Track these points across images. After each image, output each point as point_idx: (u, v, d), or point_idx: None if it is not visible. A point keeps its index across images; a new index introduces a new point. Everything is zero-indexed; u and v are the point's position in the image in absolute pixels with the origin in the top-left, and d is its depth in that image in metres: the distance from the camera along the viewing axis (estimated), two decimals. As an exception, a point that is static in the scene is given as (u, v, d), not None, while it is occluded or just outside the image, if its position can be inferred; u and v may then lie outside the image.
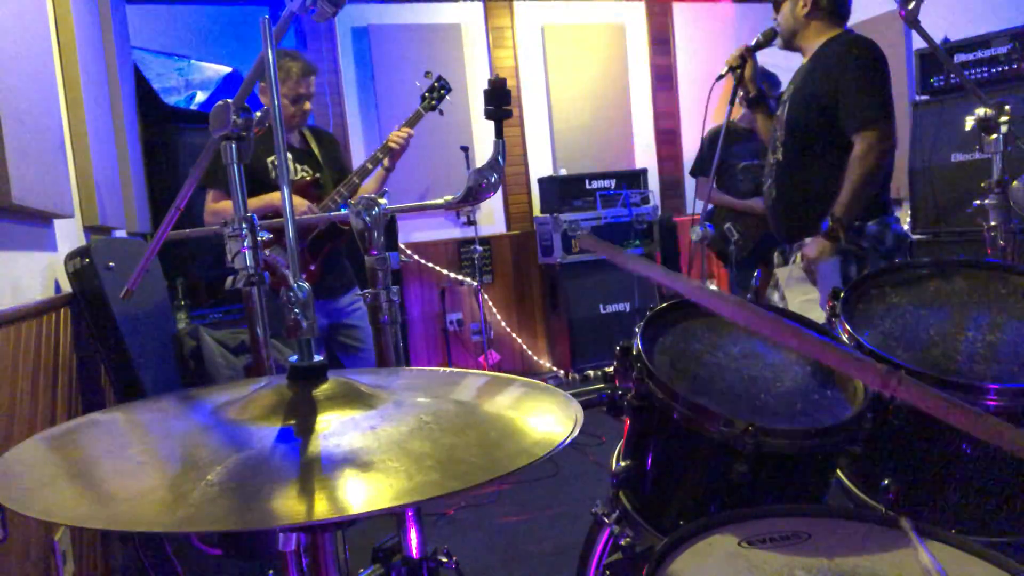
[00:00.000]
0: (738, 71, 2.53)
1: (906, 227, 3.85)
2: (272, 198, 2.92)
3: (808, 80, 2.38)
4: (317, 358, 0.89)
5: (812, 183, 2.38)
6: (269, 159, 2.99)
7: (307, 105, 3.02)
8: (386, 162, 3.03)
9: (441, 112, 3.26)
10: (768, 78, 3.80)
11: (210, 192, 2.95)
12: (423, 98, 3.21)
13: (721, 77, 2.58)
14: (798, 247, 2.44)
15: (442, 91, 3.20)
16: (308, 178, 3.06)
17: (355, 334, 3.16)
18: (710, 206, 4.55)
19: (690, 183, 5.90)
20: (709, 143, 4.39)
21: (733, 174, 4.00)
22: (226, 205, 2.90)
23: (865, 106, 2.25)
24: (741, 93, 2.61)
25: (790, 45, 2.50)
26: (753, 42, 2.52)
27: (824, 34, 2.40)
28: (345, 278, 3.15)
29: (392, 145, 3.03)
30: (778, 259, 2.58)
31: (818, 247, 2.30)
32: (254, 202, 2.94)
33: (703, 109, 2.68)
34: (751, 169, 4.14)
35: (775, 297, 2.56)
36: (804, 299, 2.38)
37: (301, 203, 2.92)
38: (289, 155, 3.02)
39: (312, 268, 3.02)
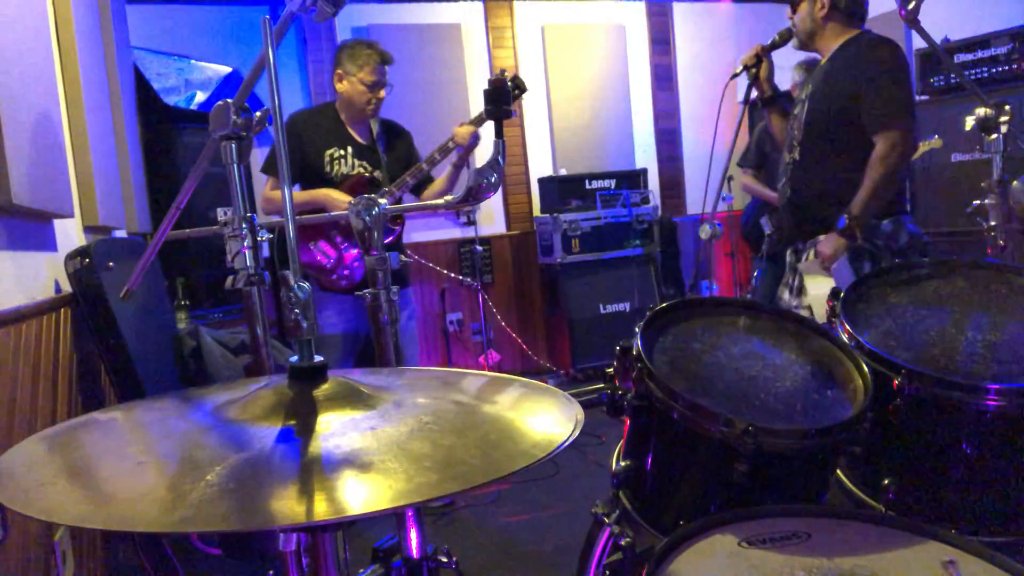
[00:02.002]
0: (753, 70, 2.53)
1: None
2: (316, 195, 2.92)
3: (828, 81, 2.38)
4: (317, 358, 0.89)
5: (828, 182, 2.39)
6: (327, 152, 3.00)
7: (381, 93, 3.00)
8: (455, 159, 3.00)
9: (511, 114, 3.10)
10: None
11: (269, 180, 2.98)
12: None
13: (735, 76, 2.58)
14: (811, 244, 2.45)
15: (515, 91, 2.90)
16: (365, 174, 3.04)
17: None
18: (754, 199, 4.56)
19: (691, 183, 5.93)
20: (759, 136, 4.39)
21: (775, 169, 4.03)
22: (279, 194, 2.87)
23: (888, 106, 2.26)
24: (756, 92, 2.61)
25: (807, 46, 2.50)
26: (769, 42, 2.52)
27: (842, 35, 2.40)
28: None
29: (454, 142, 2.96)
30: (791, 256, 2.59)
31: (833, 244, 2.31)
32: (300, 195, 2.96)
33: (704, 109, 2.68)
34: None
35: (786, 295, 2.56)
36: (825, 290, 2.38)
37: (344, 201, 2.87)
38: (349, 149, 3.03)
39: (357, 266, 3.00)
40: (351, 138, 3.05)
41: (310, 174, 3.00)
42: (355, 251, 3.00)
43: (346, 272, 2.99)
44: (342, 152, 3.02)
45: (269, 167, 2.99)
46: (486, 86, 1.37)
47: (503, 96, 1.37)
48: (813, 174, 2.43)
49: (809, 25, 2.43)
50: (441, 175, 3.11)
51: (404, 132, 3.25)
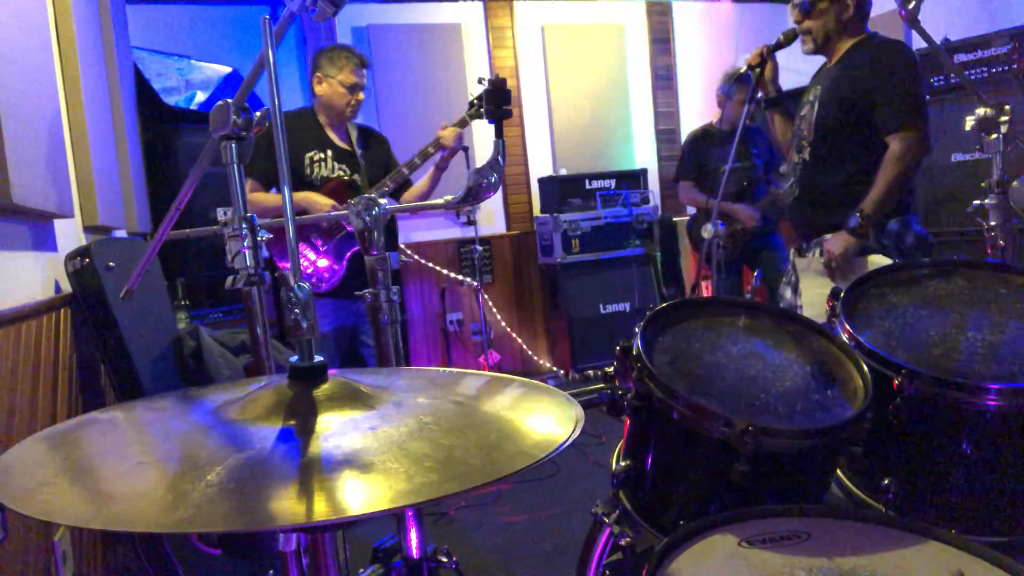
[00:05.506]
0: (757, 71, 2.52)
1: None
2: (296, 198, 2.90)
3: (840, 82, 2.38)
4: (317, 358, 0.89)
5: (838, 183, 2.39)
6: (307, 155, 2.99)
7: (360, 95, 3.03)
8: (438, 161, 3.01)
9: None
10: None
11: (248, 181, 2.94)
12: (471, 104, 2.93)
13: (739, 77, 2.57)
14: (816, 244, 2.44)
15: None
16: (344, 178, 3.03)
17: None
18: (694, 209, 4.61)
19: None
20: (690, 147, 4.43)
21: (716, 177, 4.04)
22: (260, 197, 2.91)
23: (903, 107, 2.26)
24: (760, 93, 2.60)
25: (822, 49, 2.45)
26: (774, 42, 2.50)
27: (852, 37, 2.40)
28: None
29: (438, 145, 2.97)
30: (794, 254, 2.59)
31: (843, 243, 2.31)
32: (277, 199, 2.95)
33: (704, 109, 2.67)
34: (734, 172, 4.16)
35: (788, 294, 2.56)
36: (819, 291, 2.39)
37: (326, 204, 2.89)
38: (329, 152, 3.03)
39: (337, 268, 3.01)
40: (331, 141, 3.05)
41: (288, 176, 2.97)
42: (334, 254, 3.01)
43: (325, 275, 3.00)
44: (322, 155, 3.01)
45: (250, 169, 2.91)
46: (486, 86, 1.37)
47: (503, 96, 1.37)
48: (823, 174, 2.42)
49: (833, 27, 2.39)
50: (421, 178, 3.12)
51: (382, 137, 3.29)
